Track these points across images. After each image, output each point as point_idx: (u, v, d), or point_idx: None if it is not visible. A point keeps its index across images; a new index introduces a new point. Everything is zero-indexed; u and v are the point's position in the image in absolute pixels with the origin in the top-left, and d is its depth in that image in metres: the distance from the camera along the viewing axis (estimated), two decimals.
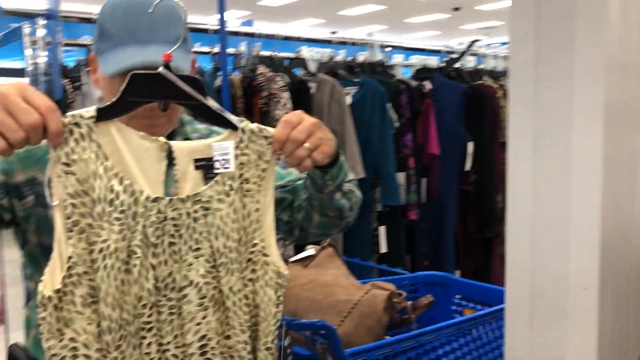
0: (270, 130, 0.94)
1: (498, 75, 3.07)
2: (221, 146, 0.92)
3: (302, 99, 2.14)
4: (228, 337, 0.93)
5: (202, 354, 0.91)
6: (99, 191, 0.85)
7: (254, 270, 0.94)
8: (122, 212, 0.85)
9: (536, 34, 1.01)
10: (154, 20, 0.99)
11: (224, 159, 0.92)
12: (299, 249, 1.92)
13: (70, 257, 0.85)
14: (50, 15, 1.75)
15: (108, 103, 0.88)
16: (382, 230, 2.37)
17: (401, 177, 2.40)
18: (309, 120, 0.95)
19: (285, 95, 2.02)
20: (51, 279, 0.85)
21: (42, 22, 1.77)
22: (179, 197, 0.89)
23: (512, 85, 0.94)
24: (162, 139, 0.90)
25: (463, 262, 2.75)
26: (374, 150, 2.30)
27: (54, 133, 0.82)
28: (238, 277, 0.92)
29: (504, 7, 10.58)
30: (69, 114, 0.85)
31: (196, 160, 0.91)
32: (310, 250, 1.85)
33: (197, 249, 0.90)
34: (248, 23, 2.58)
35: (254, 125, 0.93)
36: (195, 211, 0.90)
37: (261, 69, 2.10)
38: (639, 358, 0.71)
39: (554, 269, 0.98)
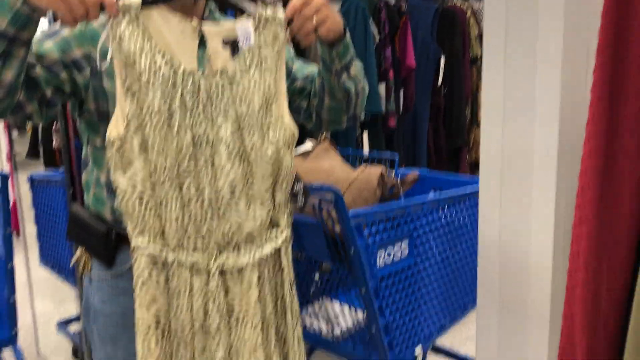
0: (280, 13, 1.12)
1: None
2: (243, 26, 1.11)
3: None
4: (251, 185, 1.14)
5: (231, 196, 1.11)
6: (144, 64, 1.05)
7: (273, 131, 1.15)
8: (163, 80, 1.05)
9: None
10: None
11: (246, 37, 1.11)
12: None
13: (128, 114, 1.06)
14: None
15: None
16: (365, 136, 2.63)
17: (382, 88, 2.64)
18: (317, 0, 1.12)
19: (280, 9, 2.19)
20: (115, 127, 1.07)
21: None
22: (211, 70, 1.09)
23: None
24: (196, 22, 1.09)
25: (434, 168, 3.05)
26: None
27: (110, 6, 1.01)
28: (259, 136, 1.13)
29: None
30: (120, 1, 1.05)
31: (224, 40, 1.11)
32: (307, 145, 2.09)
33: (225, 113, 1.10)
34: None
35: (269, 11, 1.12)
36: (224, 82, 1.09)
37: None
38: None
39: (523, 147, 1.22)
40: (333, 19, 1.14)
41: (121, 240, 1.22)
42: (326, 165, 1.96)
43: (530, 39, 1.09)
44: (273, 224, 1.19)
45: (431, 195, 1.91)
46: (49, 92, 1.14)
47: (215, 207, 1.10)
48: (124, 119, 1.06)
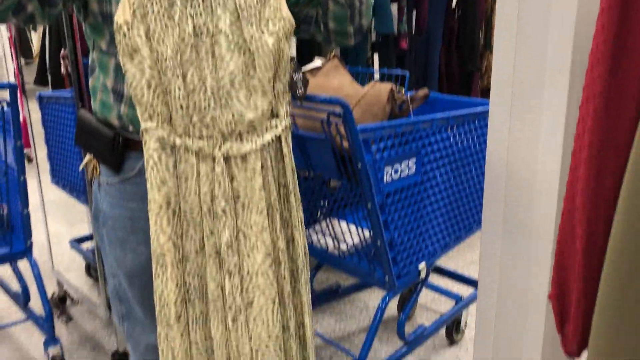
0: None
1: None
2: None
3: None
4: (252, 75, 1.16)
5: (231, 86, 1.14)
6: None
7: (272, 22, 1.17)
8: None
9: None
10: None
11: None
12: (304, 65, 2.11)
13: (133, 2, 1.07)
14: None
15: None
16: (376, 57, 2.58)
17: (394, 7, 2.56)
18: None
19: None
20: (123, 14, 1.08)
21: None
22: None
23: None
24: None
25: (445, 92, 3.00)
26: None
27: None
28: (257, 27, 1.15)
29: None
30: None
31: None
32: (317, 62, 2.05)
33: (224, 4, 1.12)
34: None
35: None
36: None
37: None
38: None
39: (533, 62, 1.19)
40: None
41: (128, 145, 1.23)
42: (335, 82, 1.94)
43: None
44: (273, 113, 1.22)
45: (441, 114, 1.89)
46: None
47: (218, 97, 1.13)
48: (130, 6, 1.08)
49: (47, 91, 2.66)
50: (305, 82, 1.29)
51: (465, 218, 2.05)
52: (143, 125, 1.13)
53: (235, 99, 1.15)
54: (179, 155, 1.13)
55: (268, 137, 1.20)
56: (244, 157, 1.17)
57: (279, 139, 1.23)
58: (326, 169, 1.79)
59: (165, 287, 1.16)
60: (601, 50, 0.58)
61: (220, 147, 1.15)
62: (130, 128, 1.23)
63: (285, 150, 1.24)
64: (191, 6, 1.10)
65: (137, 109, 1.13)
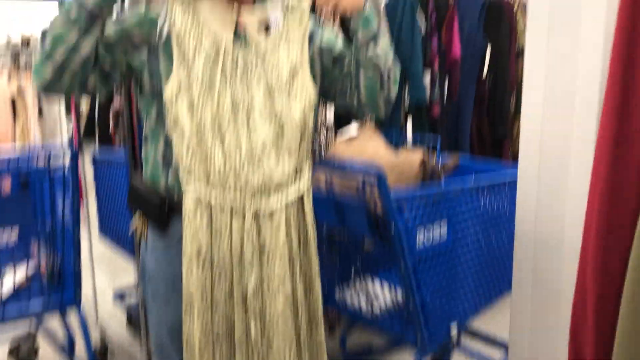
0: (305, 4, 1.36)
1: None
2: (273, 12, 1.34)
3: None
4: (281, 141, 1.32)
5: (263, 151, 1.30)
6: (193, 41, 1.26)
7: (299, 96, 1.34)
8: (207, 55, 1.27)
9: None
10: None
11: (276, 20, 1.35)
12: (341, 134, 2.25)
13: (180, 80, 1.27)
14: None
15: None
16: (409, 123, 2.70)
17: (427, 77, 2.70)
18: None
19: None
20: (170, 89, 1.28)
21: None
22: (247, 47, 1.30)
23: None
24: (236, 10, 1.30)
25: (477, 158, 3.09)
26: (404, 49, 2.59)
27: None
28: (287, 101, 1.33)
29: None
30: None
31: (258, 23, 1.33)
32: (353, 131, 2.18)
33: (259, 82, 1.30)
34: None
35: (294, 0, 1.36)
36: (257, 56, 1.31)
37: None
38: None
39: (559, 133, 1.27)
40: None
41: (173, 209, 1.36)
42: (370, 148, 2.05)
43: (573, 35, 1.15)
44: (298, 175, 1.38)
45: (471, 180, 1.98)
46: (106, 67, 1.31)
47: (251, 160, 1.29)
48: (177, 83, 1.27)
49: (101, 152, 2.86)
50: (327, 145, 1.51)
51: (495, 281, 2.09)
52: (184, 186, 1.29)
53: (266, 161, 1.30)
54: (214, 213, 1.29)
55: (293, 195, 1.35)
56: (271, 213, 1.32)
57: (301, 197, 1.38)
58: (361, 231, 1.88)
59: (191, 331, 1.28)
60: (603, 141, 0.67)
61: (251, 205, 1.30)
62: (176, 195, 1.36)
63: (307, 207, 1.39)
64: (230, 84, 1.28)
65: (180, 172, 1.30)
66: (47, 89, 1.25)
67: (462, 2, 2.94)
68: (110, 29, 1.30)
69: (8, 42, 3.53)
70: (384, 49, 1.42)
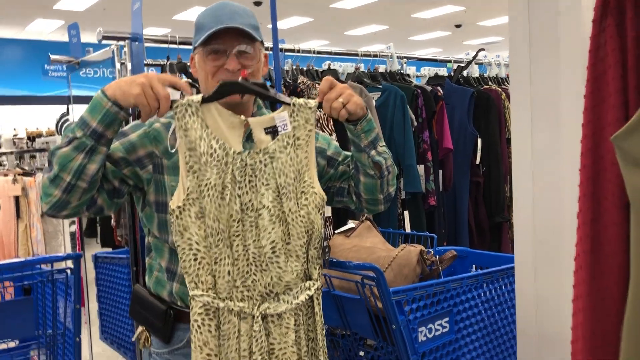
0: (312, 102, 1.38)
1: (501, 81, 3.47)
2: (280, 116, 1.36)
3: None
4: (289, 243, 1.33)
5: (272, 253, 1.30)
6: (204, 148, 1.27)
7: (306, 198, 1.36)
8: (218, 161, 1.28)
9: (529, 43, 1.37)
10: (234, 10, 1.38)
11: (283, 124, 1.36)
12: (339, 227, 2.29)
13: (188, 188, 1.27)
14: (135, 38, 2.15)
15: (208, 95, 1.31)
16: (406, 214, 2.75)
17: (421, 168, 2.78)
18: (339, 84, 1.36)
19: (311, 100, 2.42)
20: (177, 200, 1.28)
21: (127, 44, 2.17)
22: (255, 150, 1.31)
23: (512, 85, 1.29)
24: (243, 117, 1.33)
25: (476, 245, 3.11)
26: (397, 145, 2.69)
27: (184, 86, 1.28)
28: (294, 202, 1.34)
29: (504, 22, 11.03)
30: (186, 97, 1.28)
31: (265, 128, 1.35)
32: (350, 224, 2.22)
33: (267, 184, 1.31)
34: (282, 42, 2.95)
35: (301, 100, 1.37)
36: (265, 159, 1.32)
37: (301, 79, 2.50)
38: None
39: (552, 224, 1.31)
40: (355, 99, 1.37)
41: (178, 317, 1.37)
42: (368, 243, 2.08)
43: (553, 127, 1.22)
44: (307, 276, 1.37)
45: (470, 271, 1.99)
46: (116, 183, 1.35)
47: (259, 262, 1.29)
48: (185, 192, 1.27)
49: (102, 251, 2.88)
50: (329, 249, 1.48)
51: None
52: (190, 292, 1.27)
53: (275, 263, 1.30)
54: (222, 317, 1.27)
55: (302, 297, 1.34)
56: (280, 315, 1.31)
57: (311, 298, 1.36)
58: (362, 328, 1.88)
59: None
60: (582, 258, 0.71)
61: (259, 307, 1.29)
62: (179, 303, 1.37)
63: (316, 308, 1.37)
64: (239, 187, 1.29)
65: (186, 279, 1.28)
66: (56, 209, 1.26)
67: (451, 94, 3.08)
68: (116, 144, 1.34)
69: (14, 136, 3.64)
70: (383, 149, 1.46)
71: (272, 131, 1.35)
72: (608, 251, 0.74)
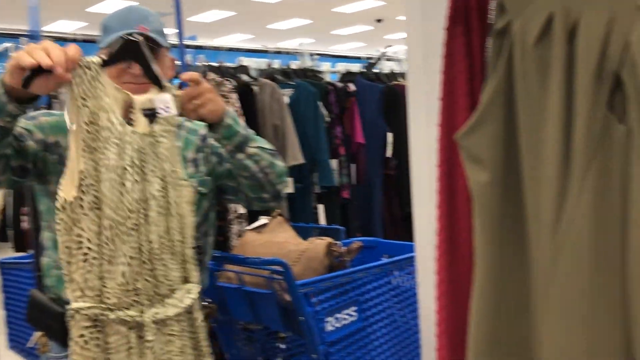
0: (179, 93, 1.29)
1: None
2: (161, 98, 1.22)
3: (247, 99, 2.56)
4: (171, 240, 1.22)
5: (159, 250, 1.19)
6: (104, 121, 1.11)
7: (184, 189, 1.25)
8: (117, 138, 1.12)
9: (423, 43, 1.43)
10: (143, 15, 1.35)
11: (165, 107, 1.23)
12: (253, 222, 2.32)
13: (82, 171, 1.10)
14: (33, 36, 2.08)
15: (110, 55, 1.21)
16: (321, 208, 2.81)
17: (334, 163, 2.85)
18: (203, 85, 1.30)
19: (234, 96, 2.43)
20: (69, 188, 1.11)
21: (25, 41, 2.10)
22: (144, 132, 1.19)
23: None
24: (128, 93, 1.19)
25: (390, 235, 3.23)
26: (310, 141, 2.75)
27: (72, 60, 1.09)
28: (176, 194, 1.23)
29: None
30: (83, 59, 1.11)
31: (143, 109, 1.20)
32: (262, 220, 2.25)
33: (154, 171, 1.19)
34: (193, 38, 2.94)
35: (175, 89, 1.27)
36: (152, 143, 1.20)
37: (211, 75, 2.50)
38: None
39: None
40: (215, 104, 1.31)
41: None
42: (280, 238, 2.12)
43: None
44: (186, 278, 1.28)
45: (377, 260, 2.08)
46: (28, 164, 1.28)
47: (148, 263, 1.18)
48: (74, 180, 1.11)
49: (9, 256, 2.77)
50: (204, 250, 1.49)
51: (410, 358, 2.16)
52: (74, 304, 1.12)
53: (161, 261, 1.20)
54: (110, 329, 1.15)
55: (187, 301, 1.25)
56: (165, 322, 1.21)
57: (192, 304, 1.27)
58: (273, 321, 1.92)
59: None
60: (441, 247, 0.78)
61: (148, 313, 1.18)
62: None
63: (196, 314, 1.29)
64: (137, 173, 1.16)
65: (68, 287, 1.13)
66: None
67: (362, 91, 3.17)
68: (29, 125, 1.30)
69: None
70: (255, 151, 1.40)
71: (151, 114, 1.21)
72: (461, 241, 0.82)
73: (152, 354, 1.19)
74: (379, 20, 12.06)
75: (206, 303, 1.59)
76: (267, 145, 1.47)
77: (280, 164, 1.48)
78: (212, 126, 1.34)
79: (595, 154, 0.64)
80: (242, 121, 1.41)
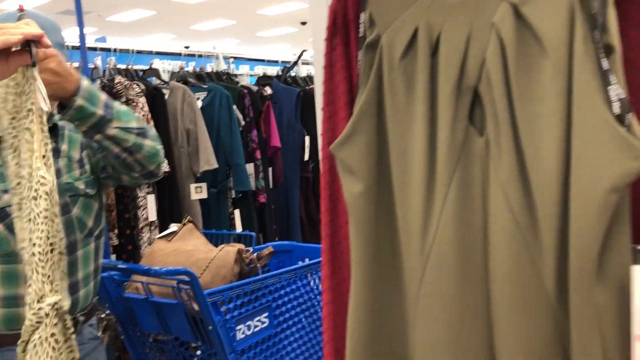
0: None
1: None
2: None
3: (157, 103, 2.49)
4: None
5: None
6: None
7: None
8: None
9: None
10: (42, 26, 1.09)
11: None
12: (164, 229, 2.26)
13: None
14: None
15: None
16: (237, 213, 2.78)
17: (250, 167, 2.83)
18: (49, 51, 1.10)
19: (142, 100, 2.35)
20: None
21: None
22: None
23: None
24: None
25: (309, 239, 3.24)
26: (225, 145, 2.71)
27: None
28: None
29: None
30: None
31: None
32: (172, 227, 2.20)
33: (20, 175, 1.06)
34: (102, 39, 2.81)
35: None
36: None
37: (118, 79, 2.41)
38: None
39: None
40: (59, 77, 1.14)
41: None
42: (190, 246, 2.08)
43: None
44: (48, 289, 1.11)
45: (289, 265, 2.07)
46: None
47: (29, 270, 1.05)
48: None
49: None
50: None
51: None
52: (50, 299, 1.02)
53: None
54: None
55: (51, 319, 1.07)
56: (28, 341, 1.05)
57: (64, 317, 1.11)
58: (182, 332, 1.87)
59: None
60: (325, 255, 0.78)
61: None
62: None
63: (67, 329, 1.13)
64: None
65: (35, 284, 1.01)
66: None
67: (279, 94, 3.16)
68: None
69: None
70: (113, 134, 1.27)
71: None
72: (342, 249, 0.82)
73: None
74: (303, 23, 12.13)
75: (104, 315, 1.53)
76: (134, 124, 1.32)
77: (149, 143, 1.34)
78: (61, 105, 1.19)
79: (457, 165, 0.66)
80: (105, 97, 1.27)
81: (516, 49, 0.61)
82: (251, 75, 3.77)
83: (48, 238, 1.01)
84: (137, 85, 2.37)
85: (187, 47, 3.32)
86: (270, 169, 2.98)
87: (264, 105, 2.93)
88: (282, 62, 3.42)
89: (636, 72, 0.62)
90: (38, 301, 1.01)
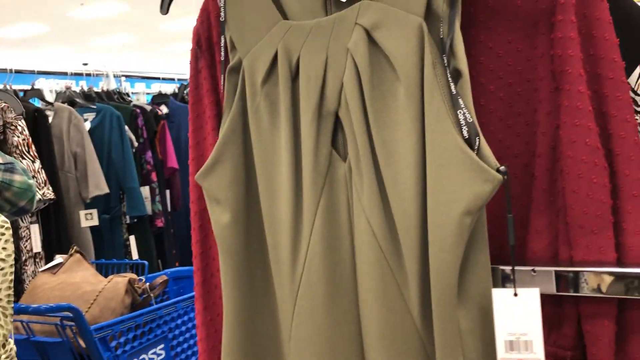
0: None
1: None
2: None
3: (39, 126, 2.33)
4: None
5: None
6: None
7: None
8: None
9: None
10: None
11: None
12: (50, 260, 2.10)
13: None
14: None
15: None
16: (132, 239, 2.65)
17: (146, 190, 2.71)
18: None
19: (22, 123, 2.19)
20: None
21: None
22: None
23: None
24: None
25: None
26: (117, 168, 2.58)
27: None
28: None
29: None
30: None
31: None
32: (58, 259, 2.05)
33: None
34: None
35: None
36: None
37: None
38: None
39: None
40: None
41: None
42: (77, 278, 1.94)
43: None
44: None
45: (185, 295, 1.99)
46: None
47: None
48: None
49: None
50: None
51: None
52: None
53: None
54: None
55: None
56: None
57: None
58: None
59: None
60: (196, 274, 0.74)
61: None
62: None
63: None
64: None
65: None
66: None
67: (176, 113, 3.06)
68: None
69: None
70: None
71: None
72: (216, 282, 0.78)
73: None
74: None
75: None
76: None
77: (18, 178, 1.30)
78: None
79: (322, 192, 0.65)
80: None
81: (371, 74, 0.60)
82: (147, 94, 3.64)
83: None
84: (14, 108, 2.20)
85: (85, 64, 3.15)
86: (167, 192, 2.87)
87: (158, 125, 2.83)
88: (179, 79, 3.33)
89: (489, 96, 0.64)
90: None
